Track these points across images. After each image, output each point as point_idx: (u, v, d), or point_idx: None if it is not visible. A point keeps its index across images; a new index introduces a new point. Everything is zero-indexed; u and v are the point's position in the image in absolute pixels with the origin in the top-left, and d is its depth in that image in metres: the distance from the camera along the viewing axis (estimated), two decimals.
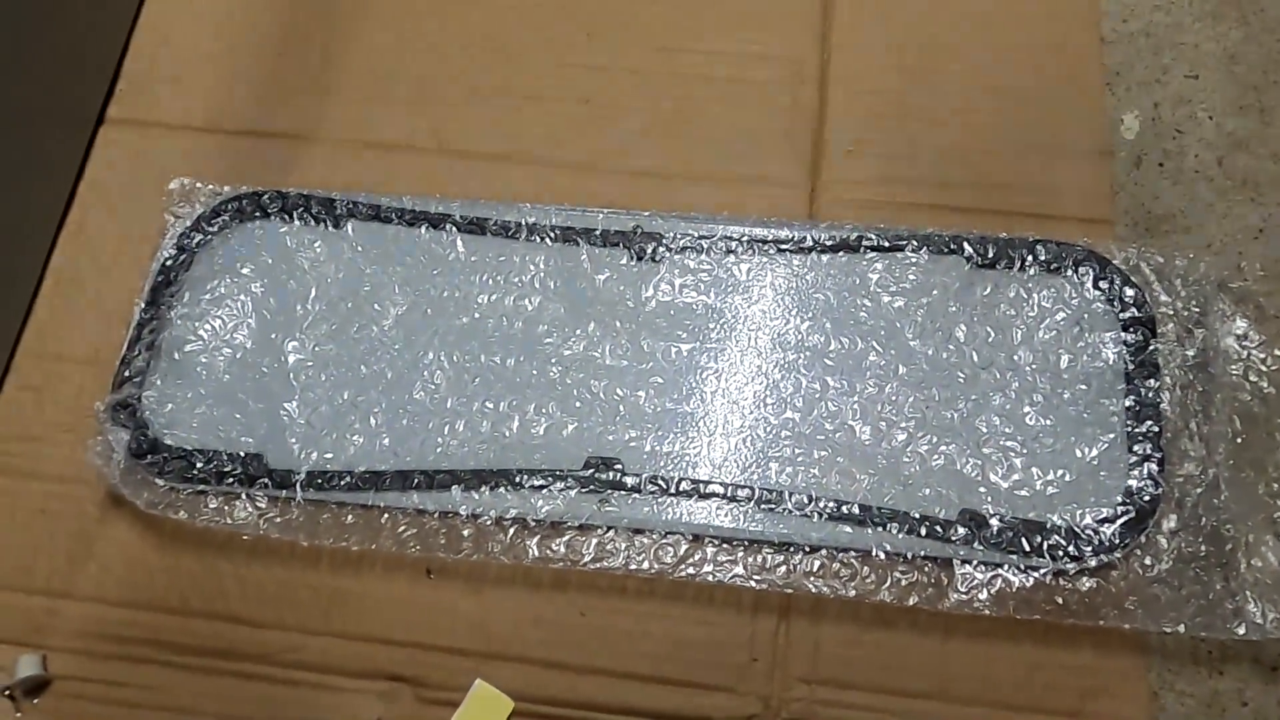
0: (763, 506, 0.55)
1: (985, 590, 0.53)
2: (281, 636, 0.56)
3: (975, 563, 0.53)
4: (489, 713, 0.54)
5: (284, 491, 0.57)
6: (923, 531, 0.54)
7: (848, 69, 0.68)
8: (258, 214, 0.64)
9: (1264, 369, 0.57)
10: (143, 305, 0.62)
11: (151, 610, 0.57)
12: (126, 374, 0.60)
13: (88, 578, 0.58)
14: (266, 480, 0.57)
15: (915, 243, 0.60)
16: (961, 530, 0.54)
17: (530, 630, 0.56)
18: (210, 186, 0.65)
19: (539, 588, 0.56)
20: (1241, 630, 0.51)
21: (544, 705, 0.54)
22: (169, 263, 0.63)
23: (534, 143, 0.67)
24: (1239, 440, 0.55)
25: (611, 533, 0.56)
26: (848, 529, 0.54)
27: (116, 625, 0.57)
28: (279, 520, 0.56)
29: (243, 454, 0.58)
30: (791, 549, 0.55)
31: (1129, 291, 0.58)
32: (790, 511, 0.55)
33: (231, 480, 0.57)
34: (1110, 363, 0.57)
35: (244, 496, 0.57)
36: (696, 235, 0.62)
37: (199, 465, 0.57)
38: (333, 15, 0.72)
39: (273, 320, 0.62)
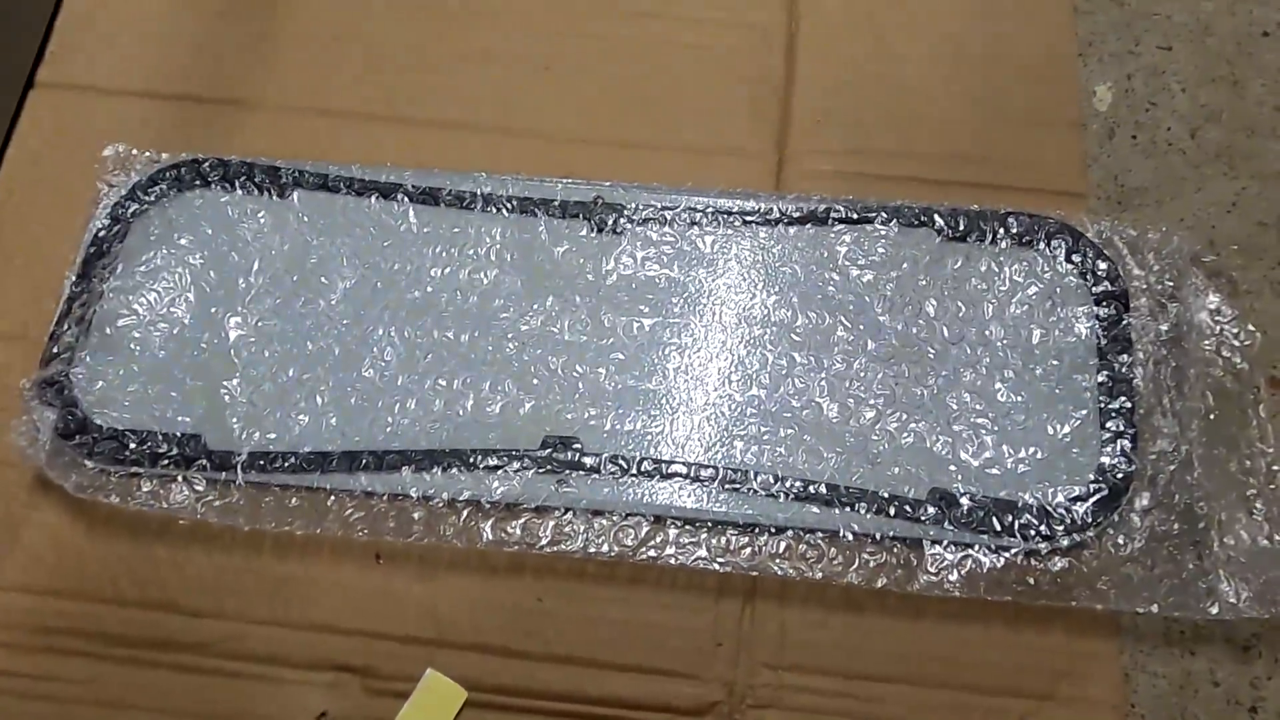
0: (727, 487, 0.53)
1: (955, 571, 0.51)
2: (222, 626, 0.53)
3: (945, 543, 0.52)
4: (441, 703, 0.52)
5: (224, 474, 0.54)
6: (891, 511, 0.52)
7: (816, 37, 0.66)
8: (198, 182, 0.61)
9: (1237, 344, 0.56)
10: (74, 278, 0.59)
11: (82, 599, 0.54)
12: (55, 350, 0.57)
13: (13, 566, 0.55)
14: (205, 462, 0.54)
15: (884, 215, 0.59)
16: (931, 510, 0.52)
17: (484, 617, 0.53)
18: (147, 153, 0.62)
19: (493, 572, 0.54)
20: (1214, 610, 0.50)
21: (498, 695, 0.52)
22: (102, 233, 0.60)
23: (491, 110, 0.64)
24: (1212, 417, 0.54)
25: (570, 514, 0.53)
26: (814, 509, 0.53)
27: (45, 616, 0.54)
28: (218, 504, 0.54)
29: (179, 434, 0.55)
30: (757, 530, 0.53)
31: (1102, 265, 0.57)
32: (755, 491, 0.53)
33: (167, 462, 0.54)
34: (1083, 337, 0.56)
35: (181, 479, 0.54)
36: (659, 206, 0.60)
37: (132, 446, 0.54)
38: None
39: (213, 294, 0.59)
